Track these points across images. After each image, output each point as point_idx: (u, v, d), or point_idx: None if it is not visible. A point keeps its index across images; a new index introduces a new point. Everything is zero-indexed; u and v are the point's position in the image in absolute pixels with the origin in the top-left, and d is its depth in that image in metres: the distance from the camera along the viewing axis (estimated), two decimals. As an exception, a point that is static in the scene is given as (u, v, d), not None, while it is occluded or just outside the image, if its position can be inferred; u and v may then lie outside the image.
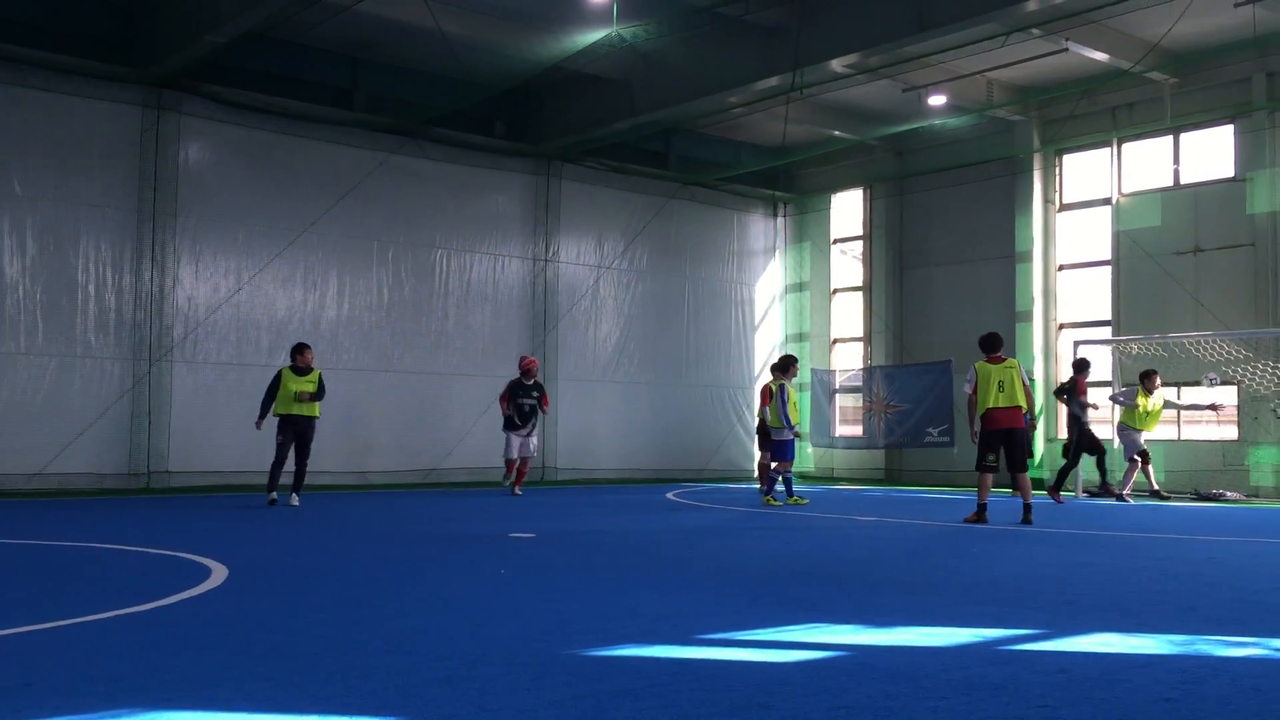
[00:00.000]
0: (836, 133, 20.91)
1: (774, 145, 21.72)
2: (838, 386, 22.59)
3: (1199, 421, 17.86)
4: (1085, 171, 20.26)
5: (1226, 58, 17.29)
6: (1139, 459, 16.37)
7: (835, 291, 23.92)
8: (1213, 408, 17.19)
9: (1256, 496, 16.91)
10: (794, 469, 15.28)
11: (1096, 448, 16.53)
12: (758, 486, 18.29)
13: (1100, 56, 17.08)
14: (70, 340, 15.96)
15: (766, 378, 18.95)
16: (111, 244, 16.33)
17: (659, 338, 22.34)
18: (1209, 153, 18.61)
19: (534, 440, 16.27)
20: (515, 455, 15.98)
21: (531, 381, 16.12)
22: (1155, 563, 8.48)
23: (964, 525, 11.66)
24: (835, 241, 23.97)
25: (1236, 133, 18.05)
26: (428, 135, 19.12)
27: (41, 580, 7.05)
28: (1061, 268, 20.43)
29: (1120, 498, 16.10)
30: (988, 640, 5.12)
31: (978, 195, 21.31)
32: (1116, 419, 16.79)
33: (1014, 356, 15.14)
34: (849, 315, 23.78)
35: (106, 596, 6.18)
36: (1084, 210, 20.22)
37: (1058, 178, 20.49)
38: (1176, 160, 18.88)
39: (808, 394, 22.49)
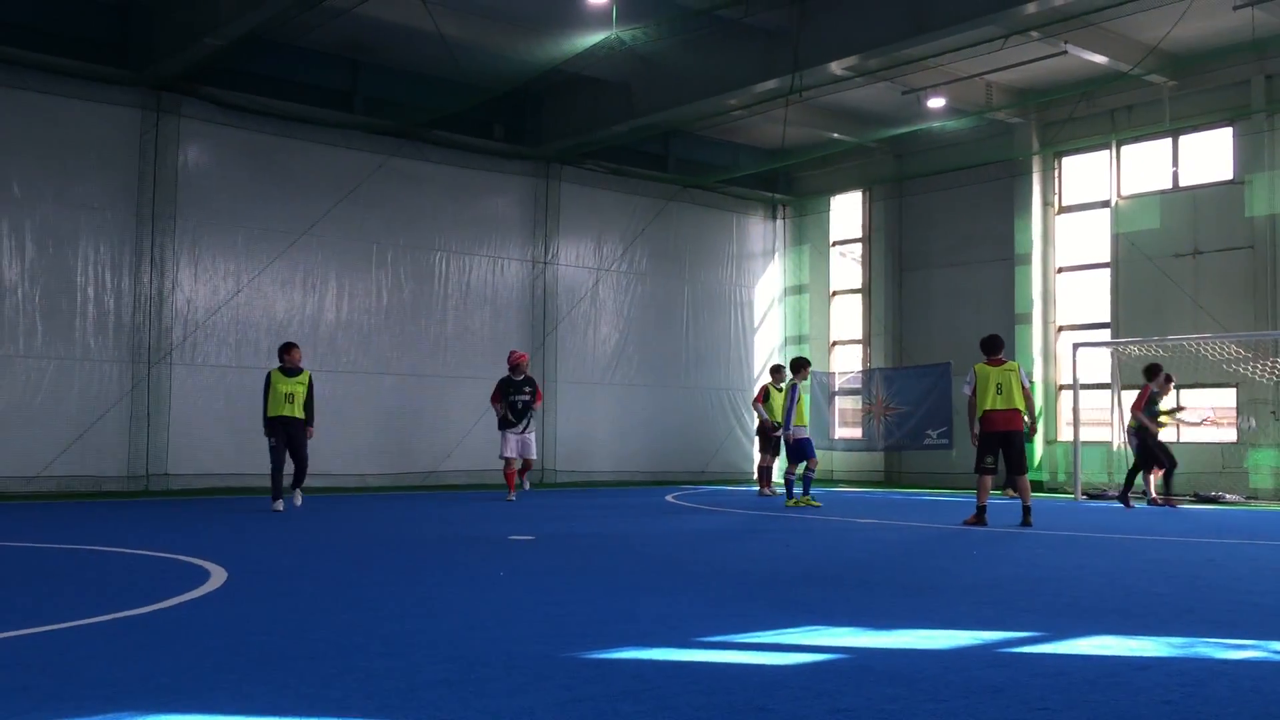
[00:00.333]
0: (836, 135, 20.92)
1: (773, 148, 21.73)
2: (837, 389, 22.59)
3: (1195, 424, 17.81)
4: (1084, 174, 20.27)
5: (1225, 60, 17.30)
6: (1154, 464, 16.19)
7: (834, 294, 23.93)
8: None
9: (1255, 499, 16.91)
10: (791, 471, 15.30)
11: (1168, 458, 15.78)
12: (757, 489, 18.35)
13: (1099, 59, 17.09)
14: (69, 343, 15.96)
15: (766, 379, 18.97)
16: (110, 247, 16.33)
17: (658, 340, 22.34)
18: (1208, 155, 18.63)
19: (532, 439, 15.78)
20: (513, 454, 15.50)
21: (522, 376, 15.68)
22: (1154, 565, 8.48)
23: (963, 527, 11.66)
24: (834, 244, 23.98)
25: (1235, 135, 18.06)
26: (427, 138, 19.13)
27: (40, 583, 7.04)
28: (1060, 270, 20.44)
29: (1155, 501, 15.93)
30: (987, 642, 5.12)
31: (977, 198, 21.31)
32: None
33: (1013, 359, 15.14)
34: (848, 317, 23.79)
35: (105, 599, 6.17)
36: (1083, 213, 20.23)
37: (1057, 180, 20.50)
38: (1175, 163, 18.89)
39: (808, 396, 22.47)
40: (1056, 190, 20.49)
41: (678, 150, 21.99)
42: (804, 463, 15.08)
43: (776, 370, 17.74)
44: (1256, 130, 17.66)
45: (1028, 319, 20.17)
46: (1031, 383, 16.02)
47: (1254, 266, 17.69)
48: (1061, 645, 5.04)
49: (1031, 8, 14.55)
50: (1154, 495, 15.97)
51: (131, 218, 16.51)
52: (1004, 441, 11.72)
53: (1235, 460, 17.52)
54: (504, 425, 15.58)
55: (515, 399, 15.49)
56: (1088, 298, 20.11)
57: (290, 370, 13.11)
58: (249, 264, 17.46)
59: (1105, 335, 19.38)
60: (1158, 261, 18.67)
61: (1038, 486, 18.35)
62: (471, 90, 17.44)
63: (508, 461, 15.63)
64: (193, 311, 16.98)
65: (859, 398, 22.17)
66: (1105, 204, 19.74)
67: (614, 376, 21.67)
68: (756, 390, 20.00)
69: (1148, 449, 15.67)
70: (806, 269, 24.16)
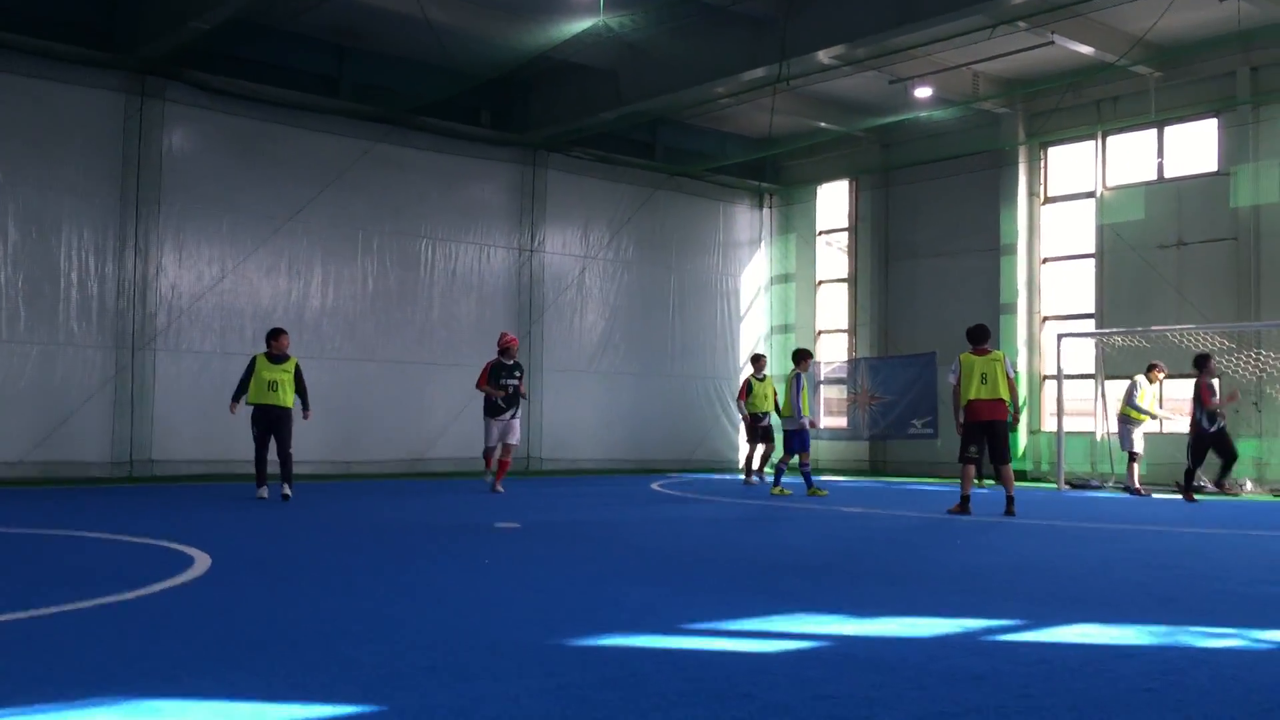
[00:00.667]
0: (823, 124, 20.92)
1: (760, 136, 21.72)
2: (822, 378, 22.63)
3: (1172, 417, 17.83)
4: (1070, 165, 20.33)
5: (1211, 52, 17.34)
6: (1138, 454, 16.30)
7: (820, 283, 23.95)
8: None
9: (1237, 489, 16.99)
10: (777, 458, 15.33)
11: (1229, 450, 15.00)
12: (741, 478, 18.38)
13: (1085, 50, 17.12)
14: (53, 328, 15.87)
15: (749, 371, 18.97)
16: (94, 231, 16.23)
17: (644, 328, 22.34)
18: (1193, 146, 18.69)
19: (516, 424, 14.78)
20: (495, 443, 14.70)
21: (512, 361, 14.74)
22: (1136, 554, 8.54)
23: (947, 516, 11.71)
24: (821, 233, 24.00)
25: (1220, 127, 18.13)
26: (413, 124, 19.05)
27: (23, 569, 7.02)
28: (1045, 260, 20.50)
29: (1135, 491, 16.05)
30: (970, 631, 5.15)
31: (963, 188, 21.35)
32: (1118, 410, 16.72)
33: (998, 349, 15.17)
34: (834, 307, 23.83)
35: (89, 585, 6.15)
36: (1068, 203, 20.29)
37: (1042, 171, 20.55)
38: (1160, 154, 18.94)
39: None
40: (1042, 180, 20.54)
41: (665, 138, 21.97)
42: (796, 455, 15.09)
43: (757, 359, 17.73)
44: (1241, 122, 17.73)
45: (1013, 309, 20.23)
46: (1016, 373, 16.07)
47: (1238, 258, 17.76)
48: (1043, 633, 5.07)
49: (1019, -2, 14.57)
50: (1136, 485, 16.14)
51: (116, 202, 16.41)
52: (988, 431, 11.77)
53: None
54: (491, 412, 14.63)
55: (506, 383, 14.48)
56: (1072, 288, 20.18)
57: (277, 357, 12.77)
58: (234, 250, 17.37)
59: (1090, 326, 19.45)
60: (1142, 252, 18.74)
61: (1021, 476, 18.43)
62: (458, 76, 17.37)
63: (488, 451, 14.95)
64: (177, 297, 16.90)
65: (844, 387, 22.22)
66: (1090, 195, 19.80)
67: (600, 364, 21.67)
68: (740, 384, 19.96)
69: (1219, 441, 14.79)
70: (793, 258, 24.17)
